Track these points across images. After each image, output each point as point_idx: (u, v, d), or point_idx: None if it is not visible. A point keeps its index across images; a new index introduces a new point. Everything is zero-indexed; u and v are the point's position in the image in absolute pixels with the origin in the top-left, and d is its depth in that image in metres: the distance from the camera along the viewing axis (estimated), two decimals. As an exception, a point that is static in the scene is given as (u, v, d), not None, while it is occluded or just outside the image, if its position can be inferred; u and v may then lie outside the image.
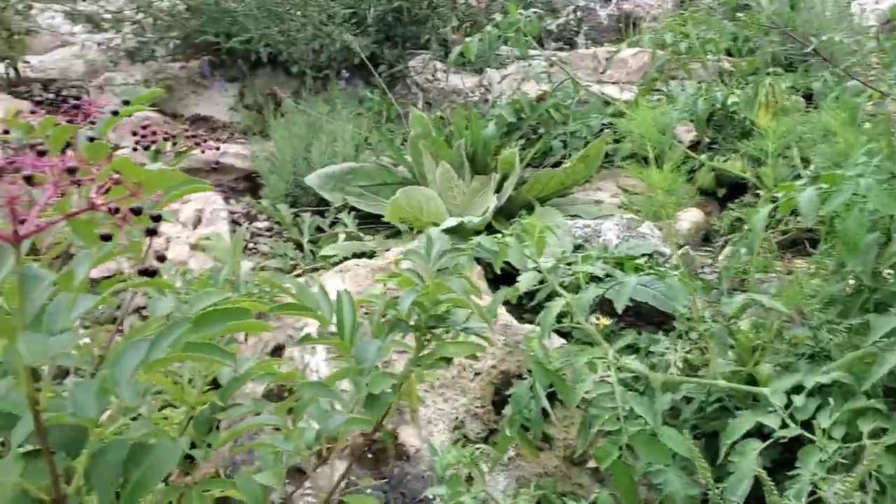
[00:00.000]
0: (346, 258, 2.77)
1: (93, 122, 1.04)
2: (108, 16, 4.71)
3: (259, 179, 3.57)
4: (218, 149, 2.58)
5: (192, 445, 1.27)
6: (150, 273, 0.77)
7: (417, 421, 1.07)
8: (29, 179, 0.66)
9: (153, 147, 1.21)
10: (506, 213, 2.87)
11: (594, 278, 1.93)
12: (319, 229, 3.16)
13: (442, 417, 2.40)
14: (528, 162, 2.99)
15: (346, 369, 1.03)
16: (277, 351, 2.59)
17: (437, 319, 1.11)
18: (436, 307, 1.09)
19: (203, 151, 1.27)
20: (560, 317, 1.81)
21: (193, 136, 4.44)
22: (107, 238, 0.70)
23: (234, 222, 3.48)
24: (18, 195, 0.64)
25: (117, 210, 0.66)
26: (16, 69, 4.57)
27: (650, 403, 1.60)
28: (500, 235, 1.91)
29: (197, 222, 3.36)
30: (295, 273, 2.94)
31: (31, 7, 4.73)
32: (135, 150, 1.19)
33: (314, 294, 1.05)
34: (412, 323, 1.09)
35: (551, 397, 1.92)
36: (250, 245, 3.32)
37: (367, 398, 0.98)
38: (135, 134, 1.18)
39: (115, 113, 1.05)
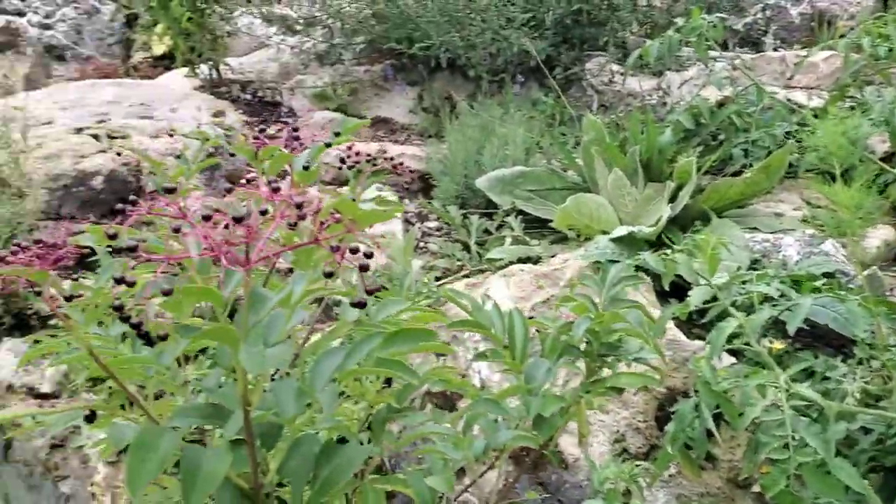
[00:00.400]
0: (511, 262, 2.82)
1: (298, 141, 1.14)
2: (301, 19, 5.00)
3: (432, 181, 3.69)
4: (412, 174, 2.70)
5: (368, 440, 1.37)
6: (362, 305, 0.85)
7: (586, 446, 1.08)
8: (264, 213, 0.75)
9: (356, 167, 1.30)
10: (680, 223, 2.81)
11: (768, 298, 1.87)
12: (487, 232, 3.23)
13: (603, 429, 2.40)
14: (705, 170, 2.91)
15: (516, 387, 1.07)
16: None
17: (610, 347, 1.12)
18: (608, 336, 1.11)
19: (399, 174, 1.34)
20: (731, 337, 1.77)
21: (374, 137, 4.63)
22: (329, 275, 0.78)
23: (407, 221, 3.62)
24: (252, 226, 0.73)
25: (337, 248, 0.73)
26: (218, 70, 4.95)
27: (822, 432, 1.53)
28: (669, 251, 1.89)
29: (373, 220, 3.52)
30: (461, 274, 3.02)
31: (233, 12, 5.11)
32: (340, 168, 1.29)
33: (489, 311, 1.10)
34: (583, 348, 1.11)
35: (717, 417, 1.87)
36: (421, 244, 3.44)
37: (536, 419, 1.02)
38: (343, 161, 1.28)
39: (328, 144, 1.14)
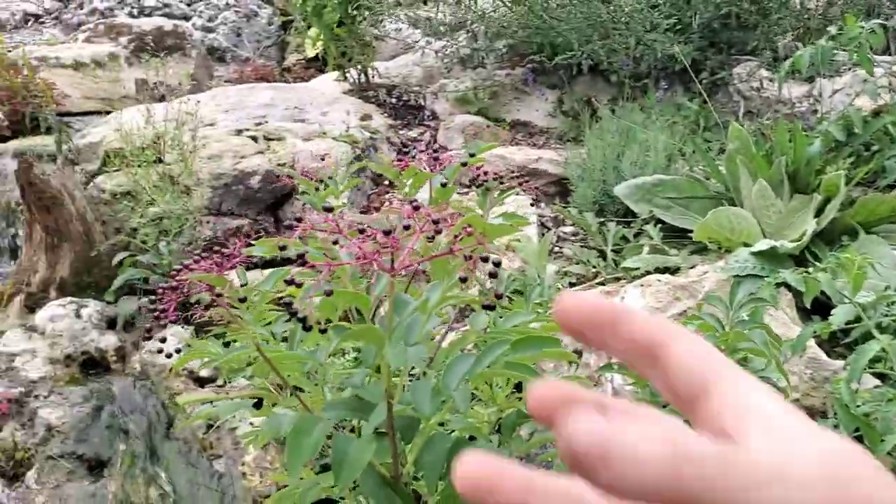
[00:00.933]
0: (648, 272, 2.82)
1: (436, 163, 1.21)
2: (444, 24, 5.13)
3: (569, 185, 3.71)
4: (537, 200, 2.76)
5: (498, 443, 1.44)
6: (492, 308, 0.92)
7: None
8: (407, 228, 0.84)
9: (484, 185, 1.37)
10: (826, 237, 2.72)
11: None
12: (624, 239, 3.23)
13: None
14: (855, 183, 2.80)
15: (641, 399, 1.11)
16: (576, 356, 2.73)
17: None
18: (733, 354, 1.13)
19: (525, 191, 1.40)
20: (874, 361, 1.72)
21: (513, 140, 4.70)
22: (463, 280, 0.86)
23: (543, 225, 3.67)
24: (397, 239, 0.81)
25: (470, 256, 0.81)
26: (366, 74, 5.17)
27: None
28: (810, 269, 1.85)
29: (510, 223, 3.59)
30: (596, 281, 3.04)
31: (381, 17, 5.31)
32: (468, 187, 1.36)
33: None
34: None
35: (858, 441, 1.82)
36: (556, 249, 3.48)
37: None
38: (475, 179, 1.35)
39: (464, 164, 1.22)
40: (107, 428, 2.85)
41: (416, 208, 0.87)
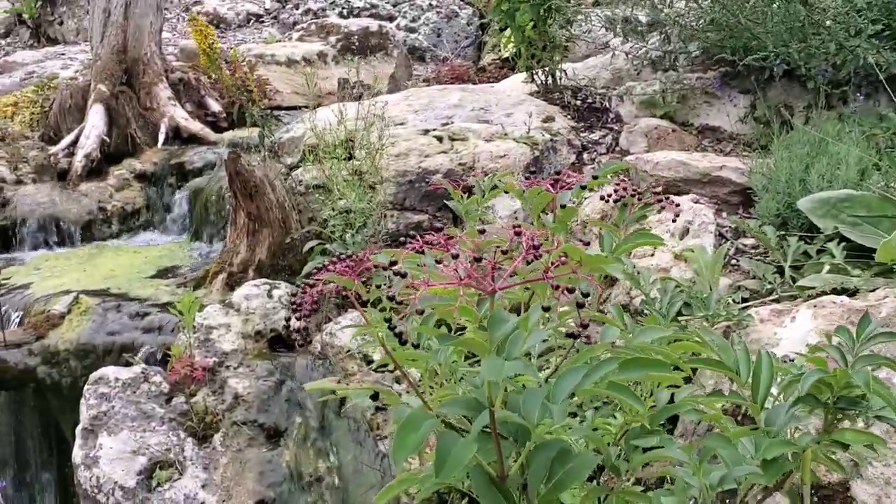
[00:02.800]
0: (824, 292, 2.67)
1: (569, 188, 1.26)
2: (640, 25, 5.05)
3: (753, 196, 3.57)
4: (676, 216, 2.70)
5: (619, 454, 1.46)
6: (575, 336, 0.97)
7: (807, 493, 1.07)
8: (505, 252, 0.91)
9: (621, 201, 1.40)
10: None
11: None
12: (806, 255, 3.07)
13: (905, 482, 2.22)
14: None
15: (748, 430, 1.10)
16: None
17: (849, 402, 1.11)
18: (846, 390, 1.09)
19: (662, 210, 1.41)
20: None
21: (699, 146, 4.59)
22: (580, 306, 0.91)
23: (722, 236, 3.55)
24: (495, 262, 0.88)
25: (557, 286, 0.87)
26: (553, 77, 5.21)
27: None
28: None
29: (684, 233, 3.51)
30: (770, 298, 2.92)
31: (573, 19, 5.31)
32: (605, 200, 1.39)
33: (735, 353, 1.14)
34: (822, 399, 1.11)
35: None
36: (733, 261, 3.37)
37: (763, 461, 1.05)
38: (608, 196, 1.39)
39: (584, 187, 1.26)
40: (286, 401, 3.12)
41: (518, 234, 0.93)
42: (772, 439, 1.04)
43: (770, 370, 1.11)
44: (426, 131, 4.40)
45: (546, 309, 0.92)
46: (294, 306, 1.03)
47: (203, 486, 2.91)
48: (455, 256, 0.89)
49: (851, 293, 2.64)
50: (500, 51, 7.70)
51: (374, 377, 3.21)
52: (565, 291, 0.87)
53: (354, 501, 2.96)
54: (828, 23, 3.50)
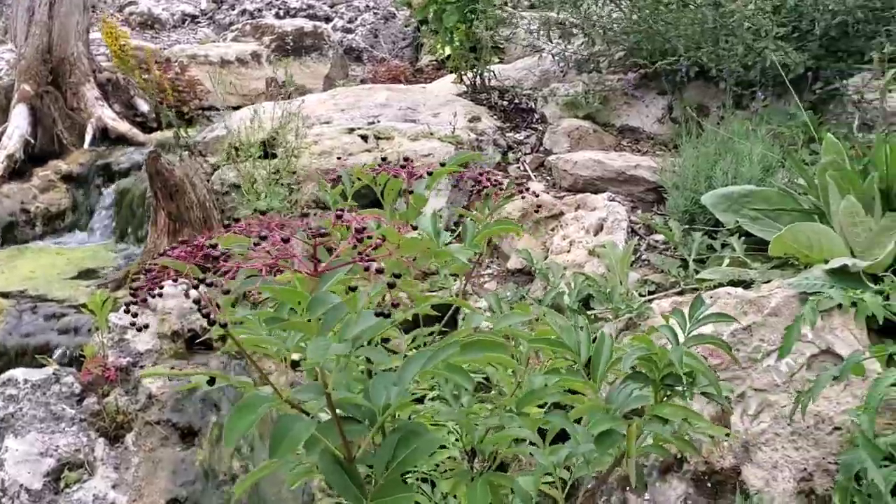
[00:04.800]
0: (722, 284, 2.76)
1: (421, 177, 1.29)
2: (561, 26, 5.12)
3: (666, 193, 3.67)
4: (526, 190, 2.75)
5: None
6: (385, 315, 0.99)
7: (632, 466, 1.11)
8: (324, 235, 0.93)
9: (485, 191, 1.44)
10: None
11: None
12: (711, 249, 3.17)
13: (790, 465, 2.31)
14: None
15: (593, 405, 1.15)
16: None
17: (675, 379, 1.16)
18: (669, 367, 1.14)
19: (523, 198, 1.46)
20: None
21: (618, 146, 4.68)
22: (391, 286, 0.94)
23: (635, 232, 3.64)
24: (322, 244, 0.91)
25: (367, 268, 0.89)
26: (482, 77, 5.27)
27: None
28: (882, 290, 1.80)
29: (599, 229, 3.59)
30: (672, 291, 3.00)
31: (498, 24, 5.38)
32: (474, 193, 1.43)
33: (576, 335, 1.18)
34: (651, 377, 1.15)
35: None
36: (644, 257, 3.45)
37: (597, 436, 1.09)
38: (477, 182, 1.42)
39: (430, 173, 1.29)
40: (201, 401, 3.11)
41: (339, 217, 0.96)
42: (604, 415, 1.09)
43: (610, 351, 1.16)
44: (351, 130, 4.42)
45: (391, 286, 0.94)
46: (131, 291, 1.04)
47: (114, 487, 2.88)
48: (286, 240, 0.91)
49: (747, 285, 2.73)
50: (437, 52, 7.74)
51: (292, 375, 3.21)
52: (377, 274, 0.90)
53: (268, 499, 2.96)
54: (735, 26, 3.61)
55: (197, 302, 0.89)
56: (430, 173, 1.26)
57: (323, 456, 1.15)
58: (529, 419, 1.21)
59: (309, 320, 0.97)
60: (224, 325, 0.90)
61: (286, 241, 0.88)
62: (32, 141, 5.67)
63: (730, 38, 3.68)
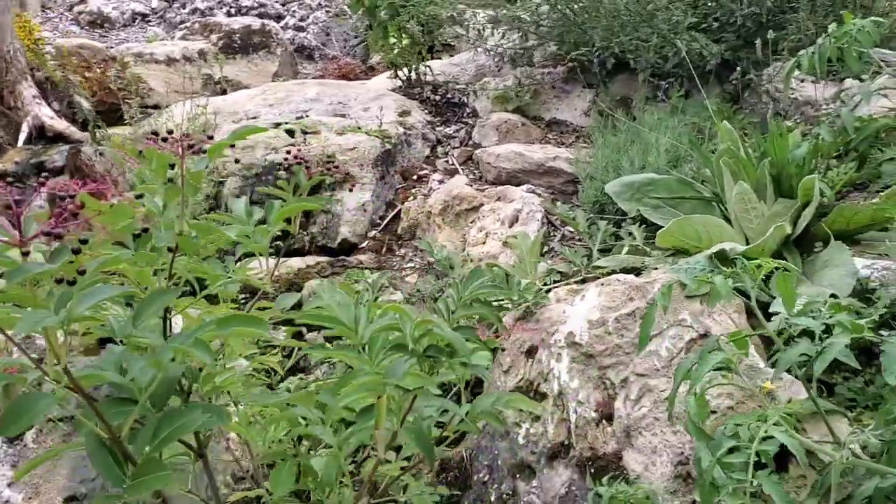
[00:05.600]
0: (614, 271, 2.76)
1: (203, 152, 1.27)
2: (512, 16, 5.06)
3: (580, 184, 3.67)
4: (440, 183, 2.74)
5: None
6: (59, 237, 0.98)
7: (380, 436, 1.10)
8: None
9: (301, 166, 1.43)
10: (804, 243, 2.60)
11: (806, 332, 1.71)
12: (619, 238, 3.17)
13: (668, 449, 2.31)
14: (843, 188, 2.65)
15: (373, 380, 1.13)
16: (531, 352, 2.71)
17: (437, 350, 1.15)
18: (422, 339, 1.13)
19: (332, 174, 1.45)
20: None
21: (543, 139, 4.67)
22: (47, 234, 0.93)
23: (552, 224, 3.64)
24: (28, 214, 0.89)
25: (60, 236, 0.88)
26: (417, 73, 5.26)
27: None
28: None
29: (514, 221, 3.59)
30: (574, 280, 3.00)
31: (438, 28, 5.37)
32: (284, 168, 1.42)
33: (354, 311, 1.17)
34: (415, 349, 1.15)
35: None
36: (556, 247, 3.45)
37: (360, 411, 1.08)
38: (294, 157, 1.41)
39: (203, 151, 1.27)
40: (105, 396, 3.07)
41: (42, 184, 0.95)
42: (348, 390, 1.08)
43: (368, 324, 1.14)
44: (277, 124, 4.39)
45: (47, 234, 0.93)
46: None
47: (9, 485, 2.84)
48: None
49: (639, 272, 2.73)
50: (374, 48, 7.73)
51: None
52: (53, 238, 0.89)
53: (172, 491, 2.93)
54: (648, 17, 3.62)
55: None
56: (203, 151, 1.24)
57: (88, 437, 1.14)
58: (311, 400, 1.20)
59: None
60: None
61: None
62: (-34, 140, 5.60)
63: (644, 29, 3.69)
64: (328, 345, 1.17)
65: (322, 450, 1.51)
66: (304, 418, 1.32)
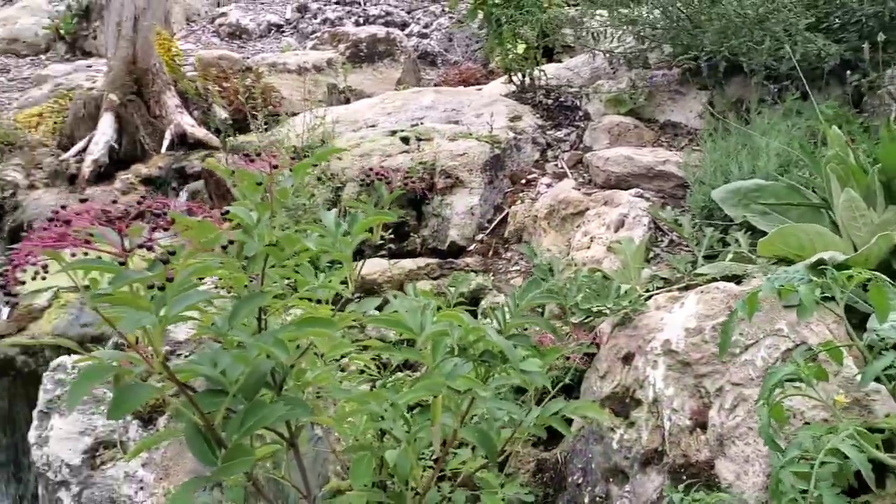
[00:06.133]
0: (715, 279, 2.74)
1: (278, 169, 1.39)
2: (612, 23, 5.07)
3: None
4: (548, 187, 2.76)
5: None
6: (165, 262, 1.12)
7: (436, 433, 1.17)
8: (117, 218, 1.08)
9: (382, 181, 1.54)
10: (916, 252, 2.51)
11: None
12: (725, 244, 3.14)
13: (760, 459, 2.29)
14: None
15: (431, 381, 1.23)
16: (628, 358, 2.74)
17: (490, 356, 1.22)
18: (475, 345, 1.21)
19: (389, 181, 1.55)
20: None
21: (656, 142, 4.67)
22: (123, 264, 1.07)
23: (659, 229, 3.62)
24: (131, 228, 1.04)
25: (150, 247, 1.02)
26: (531, 77, 5.32)
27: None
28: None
29: (620, 226, 3.60)
30: (678, 287, 2.99)
31: (553, 32, 5.41)
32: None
33: (416, 316, 1.26)
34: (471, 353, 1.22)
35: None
36: (663, 252, 3.44)
37: (420, 410, 1.17)
38: (367, 176, 1.52)
39: (291, 169, 1.38)
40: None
41: (114, 202, 1.09)
42: (410, 389, 1.17)
43: (434, 328, 1.23)
44: (393, 132, 4.57)
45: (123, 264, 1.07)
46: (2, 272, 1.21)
47: (143, 465, 3.13)
48: (51, 220, 1.06)
49: (740, 280, 2.70)
50: (491, 54, 7.84)
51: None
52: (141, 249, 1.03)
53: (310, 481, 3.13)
54: (761, 18, 3.55)
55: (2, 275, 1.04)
56: (291, 169, 1.37)
57: (186, 424, 1.29)
58: (382, 396, 1.31)
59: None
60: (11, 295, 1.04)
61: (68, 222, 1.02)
62: (117, 147, 6.10)
63: (756, 32, 3.62)
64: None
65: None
66: (382, 415, 1.44)
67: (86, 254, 1.23)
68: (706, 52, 3.87)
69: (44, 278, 1.29)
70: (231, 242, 1.17)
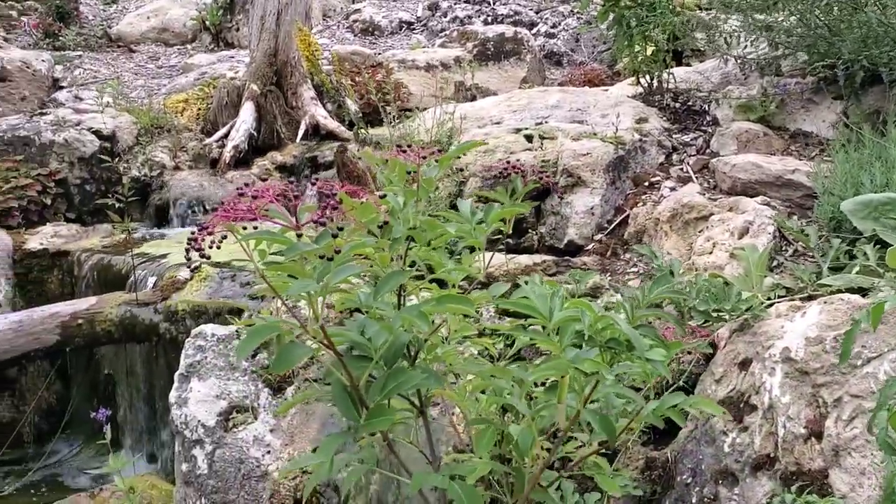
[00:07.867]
0: (841, 290, 2.71)
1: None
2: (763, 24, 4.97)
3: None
4: (671, 190, 2.77)
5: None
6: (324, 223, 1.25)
7: (560, 410, 1.25)
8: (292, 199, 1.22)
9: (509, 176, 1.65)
10: None
11: None
12: (852, 257, 3.09)
13: (877, 472, 2.27)
14: None
15: (557, 363, 1.32)
16: (745, 364, 2.74)
17: (616, 343, 1.30)
18: (602, 333, 1.29)
19: (509, 178, 1.64)
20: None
21: (786, 150, 4.62)
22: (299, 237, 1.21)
23: (784, 238, 3.58)
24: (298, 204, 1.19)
25: (323, 223, 1.16)
26: (659, 80, 5.31)
27: None
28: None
29: (744, 233, 3.58)
30: (800, 296, 2.96)
31: (684, 35, 5.37)
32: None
33: (546, 301, 1.36)
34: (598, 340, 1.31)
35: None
36: (787, 262, 3.40)
37: (546, 388, 1.27)
38: (500, 173, 1.64)
39: (437, 160, 1.51)
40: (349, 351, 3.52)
41: (314, 183, 1.24)
42: (538, 367, 1.27)
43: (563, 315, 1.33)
44: (518, 130, 4.67)
45: (317, 222, 1.21)
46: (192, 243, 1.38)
47: (271, 431, 3.36)
48: (242, 195, 1.21)
49: (865, 292, 2.66)
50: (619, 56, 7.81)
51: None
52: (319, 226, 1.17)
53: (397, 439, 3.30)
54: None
55: (192, 240, 1.21)
56: (436, 160, 1.50)
57: (335, 383, 1.45)
58: (508, 373, 1.42)
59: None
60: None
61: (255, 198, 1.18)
62: (255, 134, 6.47)
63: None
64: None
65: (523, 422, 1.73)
66: (508, 392, 1.55)
67: (255, 228, 1.40)
68: (844, 60, 3.79)
69: (218, 248, 1.47)
70: (386, 223, 1.31)
